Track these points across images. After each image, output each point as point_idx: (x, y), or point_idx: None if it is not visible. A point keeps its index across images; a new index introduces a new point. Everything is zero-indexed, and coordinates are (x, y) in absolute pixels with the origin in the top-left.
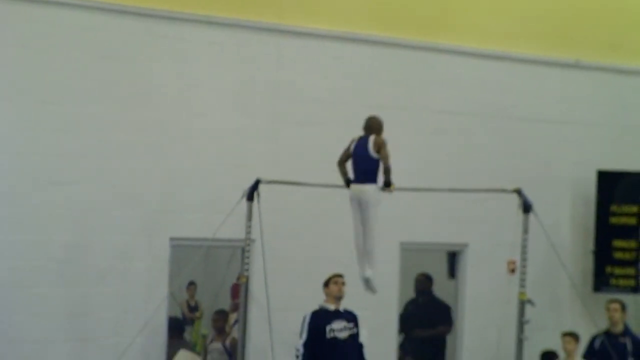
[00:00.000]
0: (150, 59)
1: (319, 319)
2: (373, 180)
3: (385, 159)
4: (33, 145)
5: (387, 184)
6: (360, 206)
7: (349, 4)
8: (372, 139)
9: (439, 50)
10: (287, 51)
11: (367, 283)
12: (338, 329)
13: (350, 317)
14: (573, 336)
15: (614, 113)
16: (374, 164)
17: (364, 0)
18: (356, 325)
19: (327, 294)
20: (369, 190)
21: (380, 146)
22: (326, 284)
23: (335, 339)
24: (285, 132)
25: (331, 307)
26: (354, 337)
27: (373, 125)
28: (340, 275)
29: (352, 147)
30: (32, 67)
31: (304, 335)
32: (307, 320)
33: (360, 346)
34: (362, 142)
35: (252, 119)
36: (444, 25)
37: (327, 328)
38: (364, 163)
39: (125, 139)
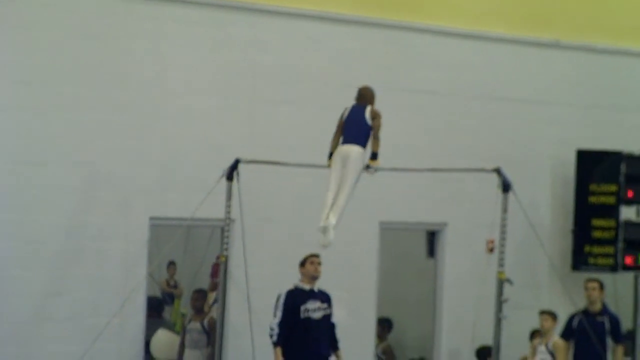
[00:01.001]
0: (127, 39)
1: (294, 299)
2: (363, 144)
3: (378, 128)
4: (9, 126)
5: (374, 156)
6: (344, 163)
7: None
8: (369, 108)
9: (417, 30)
10: (264, 31)
11: (325, 231)
12: (312, 309)
13: (324, 297)
14: (550, 314)
15: (593, 93)
16: (367, 130)
17: None
18: (330, 305)
19: (303, 274)
20: (357, 149)
21: (376, 115)
22: (302, 263)
23: (308, 319)
24: (264, 112)
25: (306, 286)
26: (328, 317)
27: (366, 95)
28: (316, 255)
29: (346, 114)
30: (8, 47)
31: (279, 314)
32: (282, 299)
33: (332, 326)
34: (357, 110)
35: (231, 99)
36: (422, 5)
37: (302, 308)
38: (358, 127)
39: (104, 119)
